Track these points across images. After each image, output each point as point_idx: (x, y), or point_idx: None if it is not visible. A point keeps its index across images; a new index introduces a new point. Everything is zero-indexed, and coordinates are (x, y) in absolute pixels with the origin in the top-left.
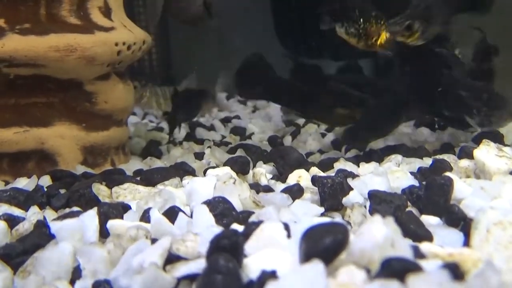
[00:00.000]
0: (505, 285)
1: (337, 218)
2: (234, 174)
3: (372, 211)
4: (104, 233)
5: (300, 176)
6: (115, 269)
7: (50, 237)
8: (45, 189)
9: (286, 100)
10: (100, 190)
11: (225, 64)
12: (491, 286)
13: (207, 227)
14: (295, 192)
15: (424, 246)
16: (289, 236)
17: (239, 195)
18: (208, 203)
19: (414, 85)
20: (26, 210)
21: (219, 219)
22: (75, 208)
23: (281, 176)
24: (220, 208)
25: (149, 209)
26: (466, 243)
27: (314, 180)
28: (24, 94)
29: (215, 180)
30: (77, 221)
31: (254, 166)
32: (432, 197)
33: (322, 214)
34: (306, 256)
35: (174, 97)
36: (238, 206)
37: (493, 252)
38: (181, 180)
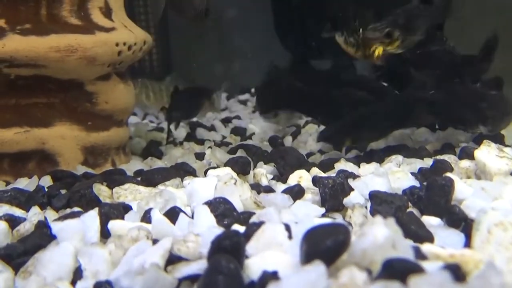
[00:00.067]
0: (506, 286)
1: (338, 218)
2: (235, 175)
3: (373, 212)
4: (105, 234)
5: (300, 177)
6: (116, 269)
7: (51, 237)
8: (46, 190)
9: (308, 109)
10: (101, 191)
11: (225, 65)
12: None
13: (208, 228)
14: (296, 192)
15: (425, 247)
16: (290, 237)
17: (240, 196)
18: (209, 203)
19: (422, 89)
20: (27, 210)
21: (220, 219)
22: (76, 209)
23: (281, 176)
24: (221, 208)
25: (150, 209)
26: (467, 244)
27: (315, 180)
28: (24, 95)
29: (216, 181)
30: (78, 222)
31: (255, 166)
32: (433, 197)
33: (323, 215)
34: (308, 257)
35: (173, 95)
36: (239, 207)
37: (494, 253)
38: (182, 181)
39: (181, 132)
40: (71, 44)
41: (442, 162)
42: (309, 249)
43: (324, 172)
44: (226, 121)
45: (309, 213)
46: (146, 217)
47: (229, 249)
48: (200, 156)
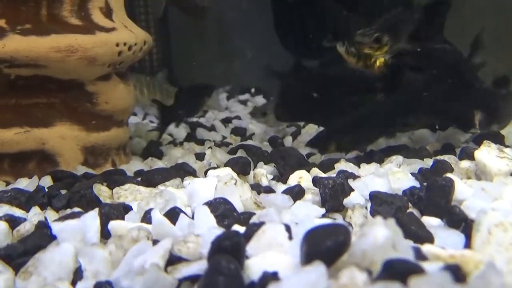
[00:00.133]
0: (506, 287)
1: (338, 219)
2: (235, 175)
3: (373, 213)
4: (105, 234)
5: (301, 177)
6: (116, 270)
7: (52, 238)
8: (46, 190)
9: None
10: (101, 191)
11: (225, 65)
12: None
13: (208, 228)
14: (296, 193)
15: (425, 248)
16: (290, 237)
17: (240, 196)
18: (209, 204)
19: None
20: (27, 211)
21: (220, 220)
22: (76, 209)
23: (282, 177)
24: (221, 209)
25: (150, 210)
26: (467, 244)
27: (315, 181)
28: (25, 95)
29: (216, 181)
30: (78, 222)
31: (255, 167)
32: (433, 198)
33: (323, 215)
34: (308, 257)
35: (177, 93)
36: (239, 207)
37: (495, 254)
38: (182, 181)
39: (181, 132)
40: (72, 44)
41: (442, 163)
42: (310, 250)
43: (324, 172)
44: (226, 121)
45: (309, 214)
46: (146, 218)
47: (229, 250)
48: (200, 157)
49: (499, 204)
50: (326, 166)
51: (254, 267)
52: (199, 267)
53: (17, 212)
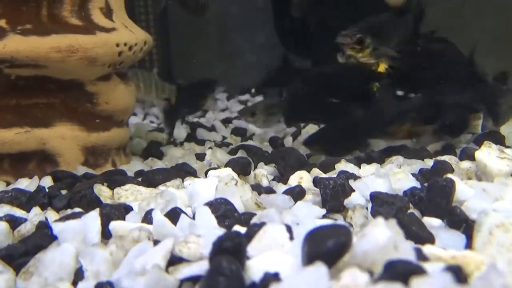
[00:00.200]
0: (508, 287)
1: (339, 220)
2: (235, 176)
3: (374, 213)
4: (106, 235)
5: (301, 178)
6: (117, 270)
7: (52, 238)
8: (47, 190)
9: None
10: (102, 191)
11: (225, 65)
12: None
13: (209, 229)
14: (297, 193)
15: (427, 249)
16: (291, 238)
17: (241, 197)
18: (210, 204)
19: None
20: (28, 211)
21: (221, 220)
22: (77, 209)
23: (282, 177)
24: (222, 209)
25: (151, 210)
26: (468, 245)
27: (316, 181)
28: (25, 95)
29: (217, 182)
30: (79, 222)
31: (256, 167)
32: (434, 198)
33: (324, 216)
34: (309, 258)
35: (178, 91)
36: (240, 208)
37: (496, 255)
38: (183, 181)
39: (181, 132)
40: (72, 45)
41: (442, 163)
42: (311, 250)
43: (325, 173)
44: (226, 121)
45: (310, 214)
46: (147, 218)
47: (230, 250)
48: (200, 157)
49: (500, 205)
50: (327, 166)
51: (255, 268)
52: (200, 267)
53: (18, 212)
